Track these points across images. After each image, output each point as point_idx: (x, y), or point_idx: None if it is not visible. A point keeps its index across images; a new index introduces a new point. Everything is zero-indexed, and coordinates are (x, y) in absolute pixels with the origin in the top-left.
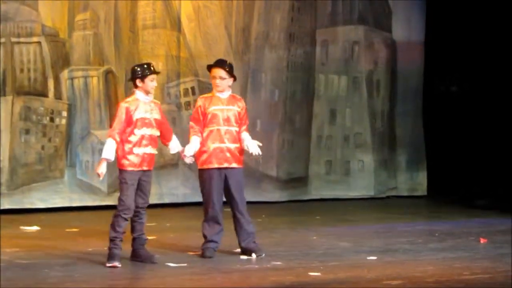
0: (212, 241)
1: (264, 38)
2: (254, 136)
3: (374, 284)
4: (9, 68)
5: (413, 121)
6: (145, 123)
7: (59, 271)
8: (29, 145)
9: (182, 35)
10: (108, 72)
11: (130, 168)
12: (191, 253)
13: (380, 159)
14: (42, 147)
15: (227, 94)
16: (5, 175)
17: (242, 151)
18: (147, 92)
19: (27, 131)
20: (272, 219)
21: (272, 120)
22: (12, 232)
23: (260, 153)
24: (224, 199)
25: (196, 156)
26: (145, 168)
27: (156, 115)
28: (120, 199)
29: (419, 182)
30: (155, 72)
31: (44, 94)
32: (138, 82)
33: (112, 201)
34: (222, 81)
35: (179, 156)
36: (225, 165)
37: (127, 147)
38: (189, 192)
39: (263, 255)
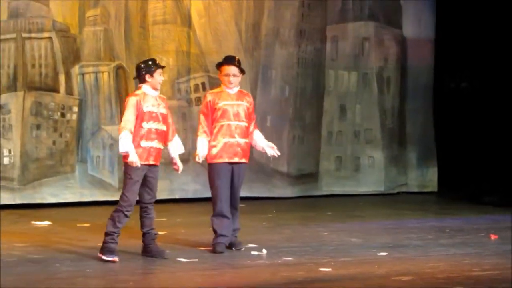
0: (222, 235)
1: (274, 35)
2: (264, 132)
3: (384, 280)
4: (20, 64)
5: (423, 117)
6: (152, 117)
7: (70, 266)
8: (40, 140)
9: (192, 31)
10: (118, 68)
11: None
12: (202, 248)
13: (390, 156)
14: (53, 143)
15: (236, 89)
16: (16, 170)
17: (250, 146)
18: (155, 87)
19: (38, 127)
20: (282, 215)
21: (282, 116)
22: (23, 227)
23: (278, 153)
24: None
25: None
26: (151, 162)
27: (163, 109)
28: (123, 195)
29: (430, 179)
30: (162, 66)
31: (55, 90)
32: (147, 77)
33: None
34: (235, 78)
35: (190, 151)
36: (235, 159)
37: (135, 140)
38: (200, 187)
39: (243, 248)
